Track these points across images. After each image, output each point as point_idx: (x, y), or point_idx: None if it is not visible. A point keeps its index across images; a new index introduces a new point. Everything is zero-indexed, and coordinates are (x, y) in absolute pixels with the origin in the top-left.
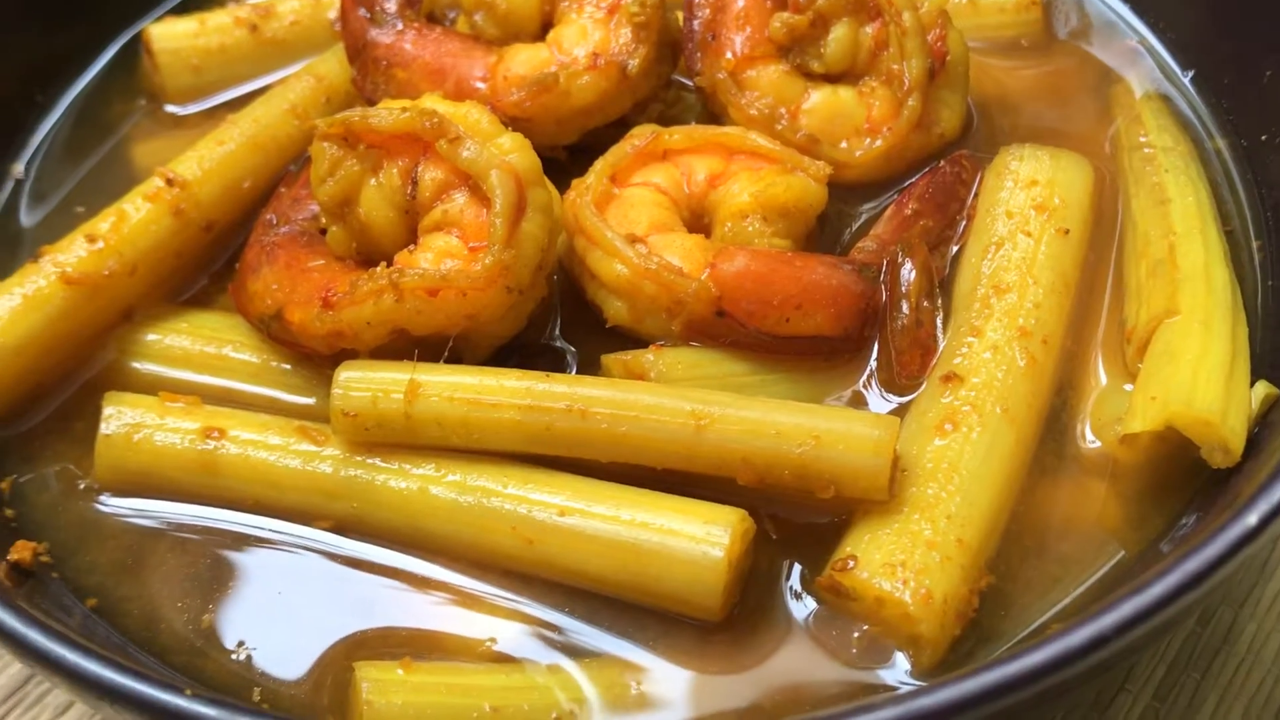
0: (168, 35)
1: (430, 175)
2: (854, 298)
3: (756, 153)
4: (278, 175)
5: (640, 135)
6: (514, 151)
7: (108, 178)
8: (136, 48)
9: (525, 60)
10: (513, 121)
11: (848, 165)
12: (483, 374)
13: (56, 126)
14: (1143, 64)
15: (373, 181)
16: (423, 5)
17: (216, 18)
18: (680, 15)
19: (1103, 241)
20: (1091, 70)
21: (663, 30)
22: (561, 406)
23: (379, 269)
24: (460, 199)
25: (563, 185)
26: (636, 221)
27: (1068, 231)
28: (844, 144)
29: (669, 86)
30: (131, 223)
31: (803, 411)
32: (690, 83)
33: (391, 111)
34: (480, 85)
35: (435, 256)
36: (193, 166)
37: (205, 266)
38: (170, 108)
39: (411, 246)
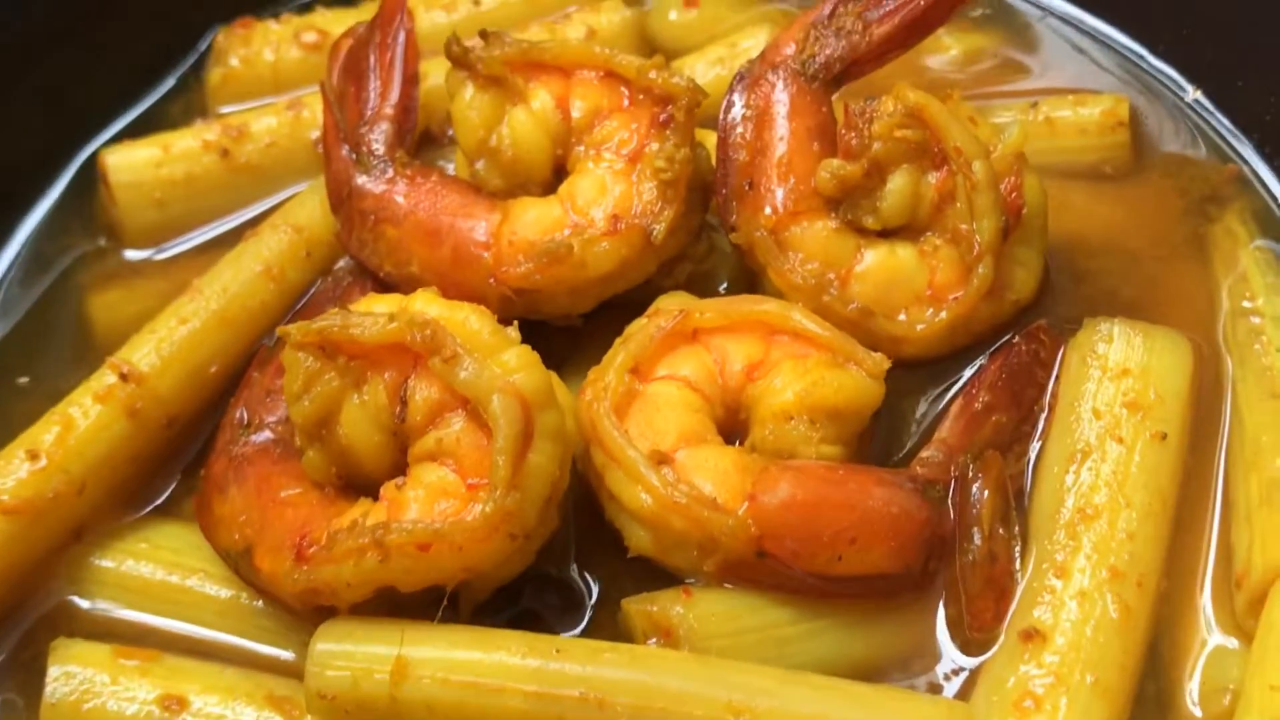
0: (126, 165)
1: (422, 394)
2: (917, 526)
3: (802, 335)
4: (250, 350)
5: (666, 314)
6: (519, 370)
7: (59, 338)
8: (94, 171)
9: (534, 221)
10: (520, 293)
11: (907, 340)
12: (483, 643)
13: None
14: (1249, 196)
15: (355, 399)
16: (415, 131)
17: (182, 141)
18: (712, 150)
19: (1204, 441)
20: (1187, 204)
21: (693, 175)
22: (575, 694)
23: (359, 521)
24: (456, 424)
25: (577, 353)
26: (663, 430)
27: (1165, 436)
28: (902, 315)
29: (700, 239)
30: (79, 431)
31: (859, 701)
32: (723, 227)
33: (376, 319)
34: (483, 254)
35: (427, 495)
36: (150, 354)
37: (169, 464)
38: (131, 254)
39: (400, 480)
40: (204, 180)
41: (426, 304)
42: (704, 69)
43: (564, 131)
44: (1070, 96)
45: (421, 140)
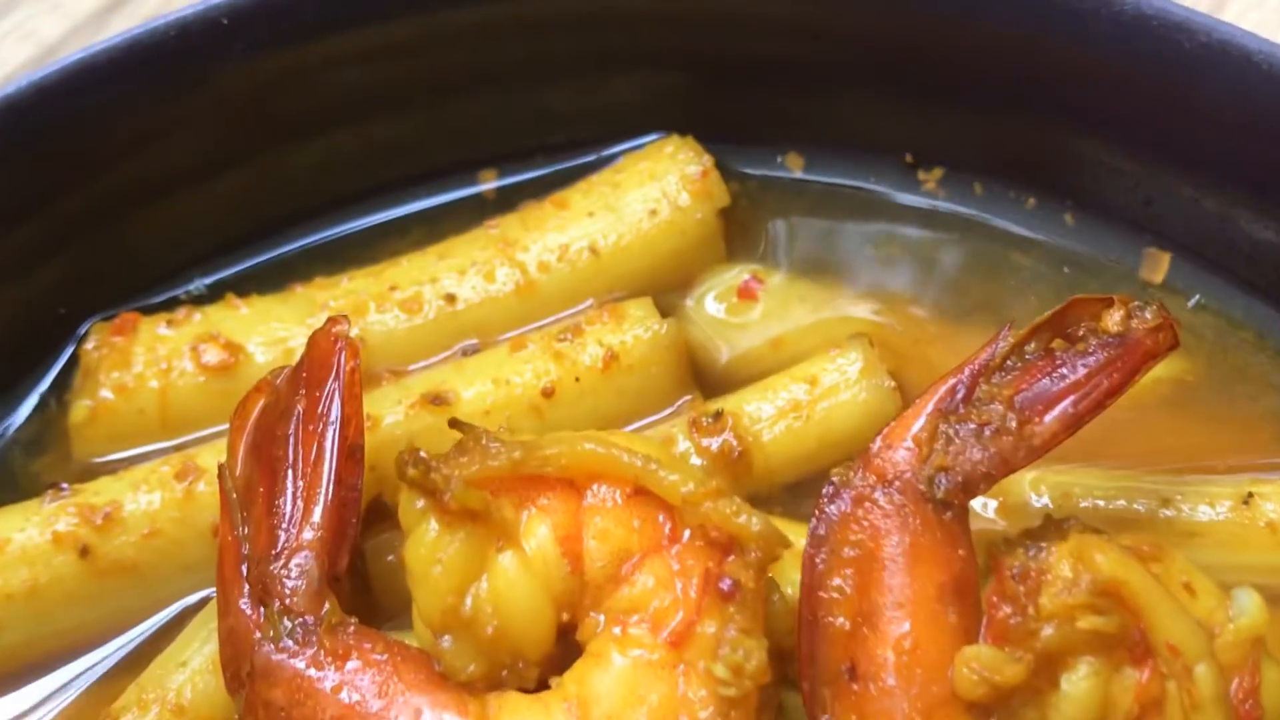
0: None
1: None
2: None
3: None
4: None
5: None
6: None
7: None
8: None
9: None
10: None
11: None
12: None
13: None
14: None
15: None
16: (359, 522)
17: (24, 532)
18: (793, 593)
19: None
20: None
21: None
22: None
23: None
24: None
25: None
26: None
27: None
28: None
29: None
30: None
31: None
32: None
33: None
34: None
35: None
36: None
37: None
38: None
39: None
40: (54, 592)
41: None
42: (770, 421)
43: (573, 587)
44: None
45: (370, 516)
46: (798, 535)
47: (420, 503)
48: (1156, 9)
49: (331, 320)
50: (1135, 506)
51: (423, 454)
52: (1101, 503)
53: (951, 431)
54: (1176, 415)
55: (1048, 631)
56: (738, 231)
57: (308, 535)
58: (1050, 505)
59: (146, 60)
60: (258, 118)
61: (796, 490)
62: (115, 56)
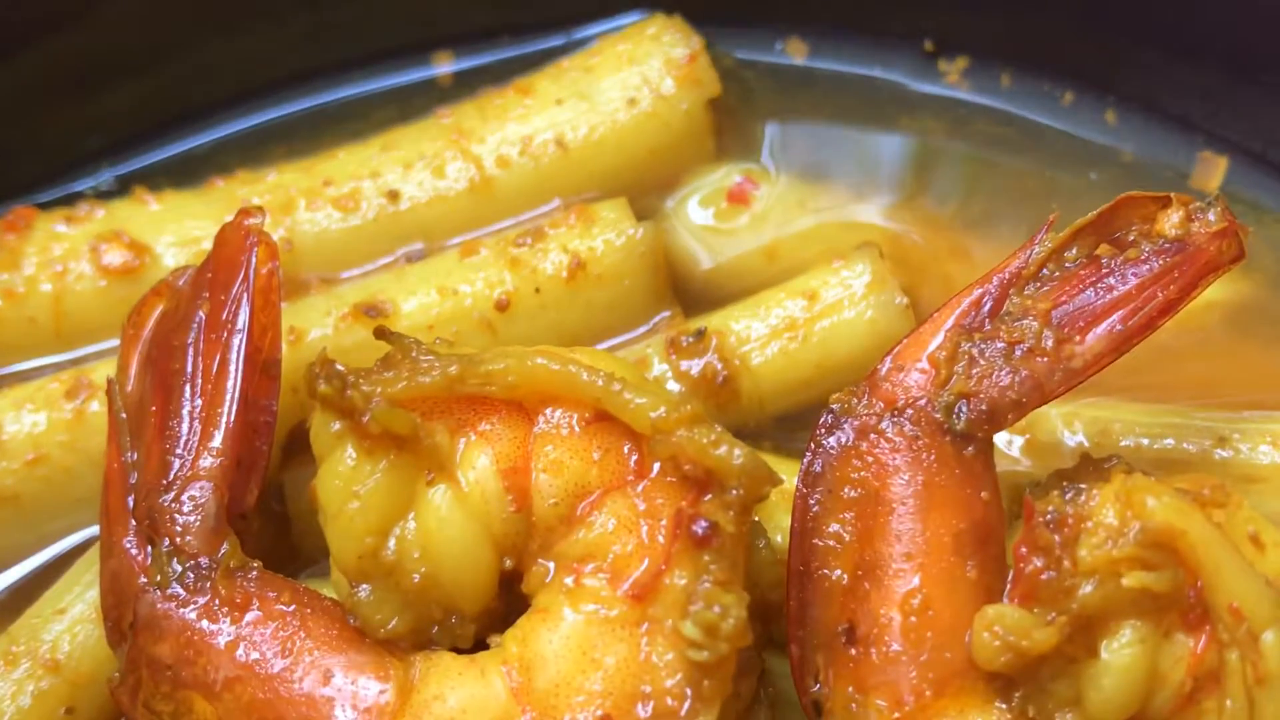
0: None
1: None
2: None
3: None
4: None
5: None
6: None
7: None
8: None
9: (457, 716)
10: None
11: None
12: None
13: None
14: None
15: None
16: (270, 464)
17: None
18: (782, 540)
19: None
20: None
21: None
22: None
23: None
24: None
25: None
26: None
27: None
28: None
29: (753, 711)
30: None
31: None
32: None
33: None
34: None
35: None
36: None
37: None
38: None
39: None
40: None
41: None
42: (761, 342)
43: (518, 529)
44: None
45: (292, 446)
46: (789, 473)
47: (336, 425)
48: None
49: (244, 212)
50: (1185, 446)
51: (339, 366)
52: (1146, 441)
53: (976, 351)
54: (1234, 342)
55: (1086, 589)
56: (729, 126)
57: (205, 463)
58: (1086, 443)
59: None
60: None
61: (790, 423)
62: None
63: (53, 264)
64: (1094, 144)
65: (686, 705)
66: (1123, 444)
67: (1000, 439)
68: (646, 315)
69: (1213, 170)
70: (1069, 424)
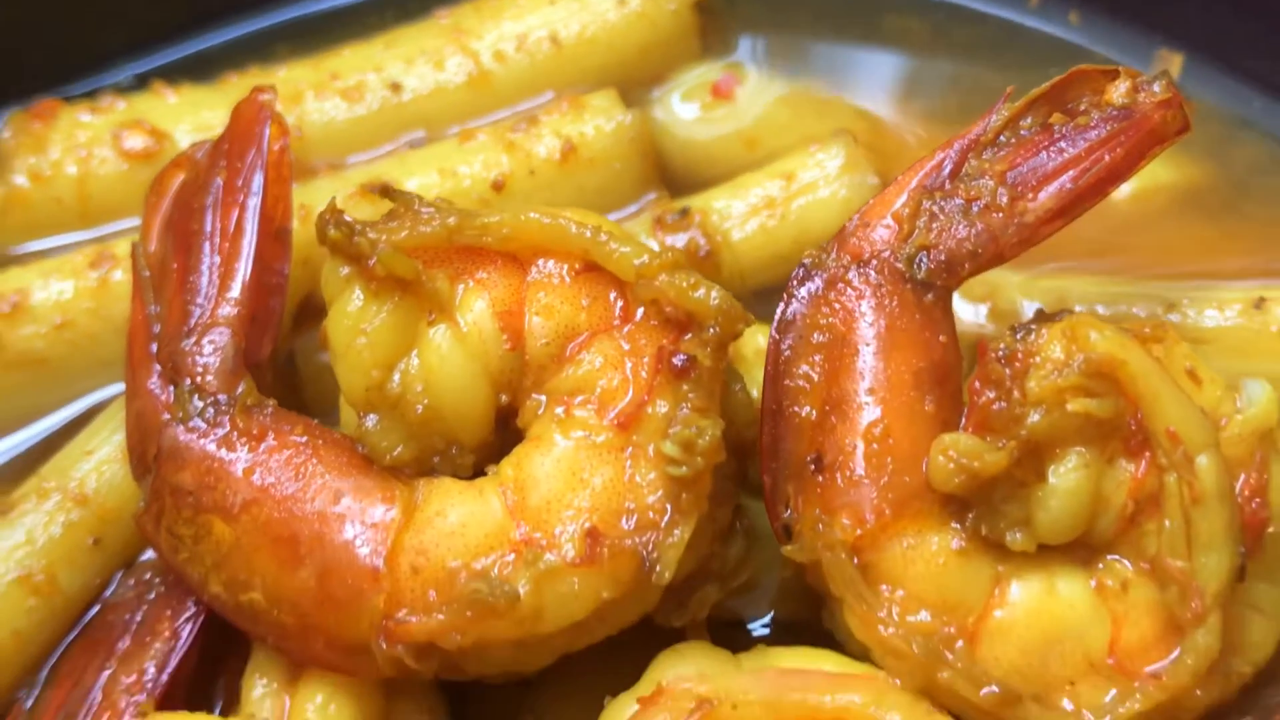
0: None
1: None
2: None
3: None
4: None
5: (673, 706)
6: None
7: None
8: None
9: (457, 532)
10: (427, 656)
11: None
12: None
13: None
14: None
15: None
16: (284, 322)
17: None
18: (756, 391)
19: None
20: None
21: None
22: None
23: None
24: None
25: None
26: None
27: None
28: (1067, 701)
29: (730, 540)
30: None
31: None
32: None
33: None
34: (369, 590)
35: None
36: None
37: None
38: None
39: None
40: None
41: None
42: (740, 219)
43: (513, 366)
44: None
45: (302, 315)
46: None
47: (344, 270)
48: None
49: (256, 89)
50: (1136, 311)
51: (347, 217)
52: (1100, 307)
53: (936, 208)
54: (1184, 219)
55: (1034, 418)
56: (714, 27)
57: (224, 311)
58: (1045, 310)
59: None
60: None
61: (768, 295)
62: None
63: (77, 149)
64: (1059, 41)
65: (666, 518)
66: (1078, 310)
67: (967, 309)
68: (635, 196)
69: (1169, 66)
70: (1027, 292)
